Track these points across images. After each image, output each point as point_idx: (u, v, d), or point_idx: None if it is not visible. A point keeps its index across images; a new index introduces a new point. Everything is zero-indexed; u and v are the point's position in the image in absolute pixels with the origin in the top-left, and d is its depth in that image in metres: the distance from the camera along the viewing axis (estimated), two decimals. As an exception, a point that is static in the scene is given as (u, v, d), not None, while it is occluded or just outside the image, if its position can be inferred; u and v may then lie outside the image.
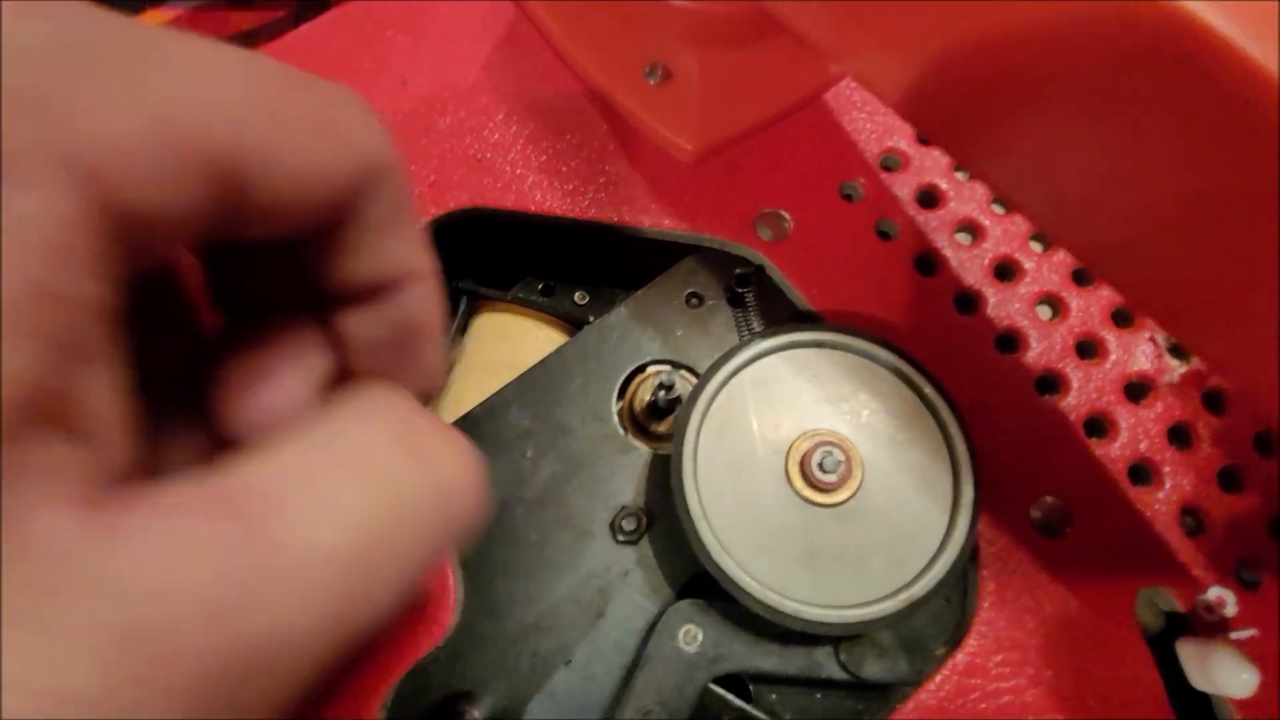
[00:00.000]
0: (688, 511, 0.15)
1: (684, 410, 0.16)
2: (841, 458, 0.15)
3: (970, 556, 0.17)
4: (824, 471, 0.15)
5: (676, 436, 0.16)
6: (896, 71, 0.13)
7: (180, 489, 0.08)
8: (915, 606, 0.15)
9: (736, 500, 0.15)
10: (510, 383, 0.19)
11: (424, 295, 0.12)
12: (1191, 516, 0.18)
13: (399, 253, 0.12)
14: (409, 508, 0.10)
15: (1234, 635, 0.16)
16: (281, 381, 0.12)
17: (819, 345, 0.17)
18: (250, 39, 0.21)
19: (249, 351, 0.12)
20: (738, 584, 0.15)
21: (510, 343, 0.21)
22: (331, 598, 0.09)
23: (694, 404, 0.16)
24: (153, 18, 0.19)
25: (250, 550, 0.08)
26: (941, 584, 0.15)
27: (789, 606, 0.14)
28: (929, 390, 0.16)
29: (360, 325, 0.12)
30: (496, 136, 0.20)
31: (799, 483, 0.15)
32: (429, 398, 0.14)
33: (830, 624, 0.14)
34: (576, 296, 0.22)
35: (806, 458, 0.16)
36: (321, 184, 0.10)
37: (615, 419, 0.18)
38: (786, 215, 0.20)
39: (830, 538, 0.15)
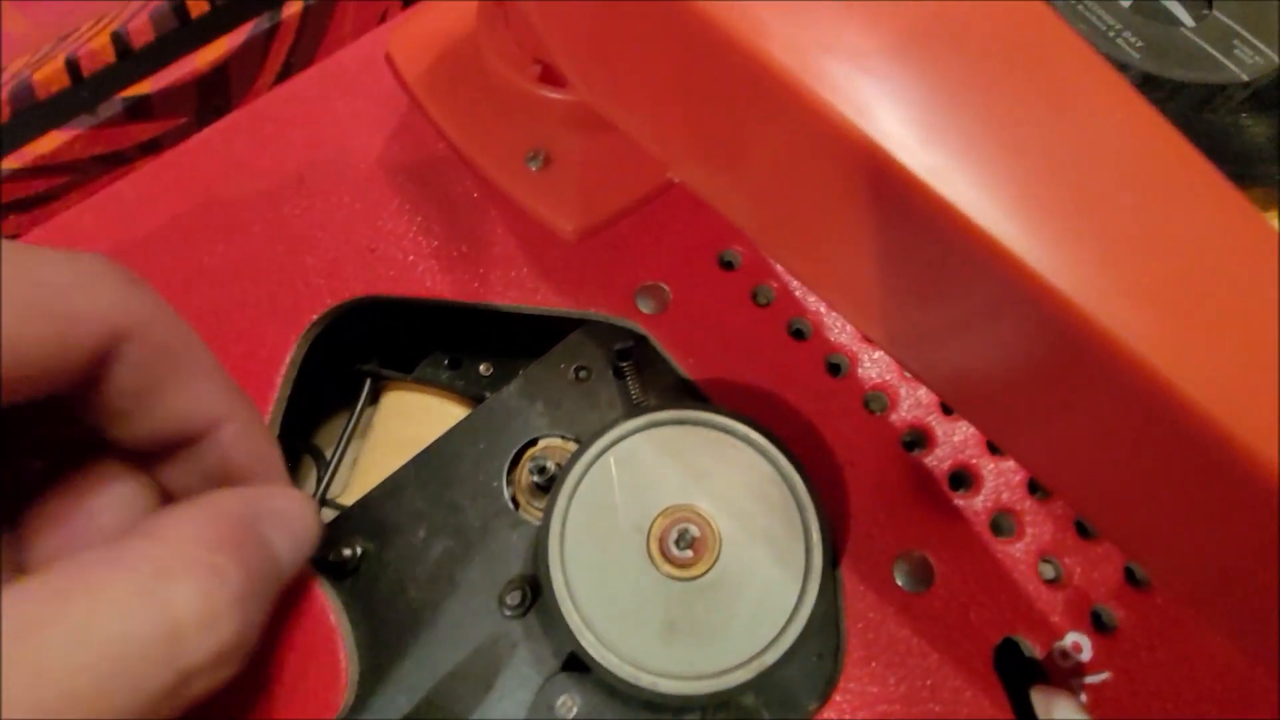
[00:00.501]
0: (552, 591, 0.16)
1: (552, 491, 0.17)
2: (698, 533, 0.16)
3: (833, 612, 0.18)
4: (679, 547, 0.16)
5: (544, 517, 0.17)
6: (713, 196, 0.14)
7: None
8: (767, 674, 0.15)
9: (601, 576, 0.16)
10: (405, 464, 0.20)
11: (233, 438, 0.13)
12: (1050, 564, 0.18)
13: (184, 407, 0.12)
14: (146, 654, 0.10)
15: (1089, 679, 0.17)
16: (88, 514, 0.12)
17: (679, 423, 0.18)
18: (152, 147, 0.22)
19: (63, 487, 0.12)
20: (597, 661, 0.15)
21: (415, 421, 0.22)
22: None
23: (561, 485, 0.17)
24: (54, 139, 0.20)
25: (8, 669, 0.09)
26: (791, 651, 0.16)
27: (645, 680, 0.15)
28: (783, 462, 0.17)
29: (174, 477, 0.13)
30: (389, 226, 0.21)
31: (658, 558, 0.16)
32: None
33: (686, 696, 0.15)
34: (481, 369, 0.23)
35: (665, 534, 0.16)
36: (38, 358, 0.11)
37: (506, 495, 0.19)
38: (666, 287, 0.21)
39: (688, 610, 0.16)
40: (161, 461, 0.13)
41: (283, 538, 0.13)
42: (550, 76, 0.20)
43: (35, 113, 0.20)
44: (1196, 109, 0.29)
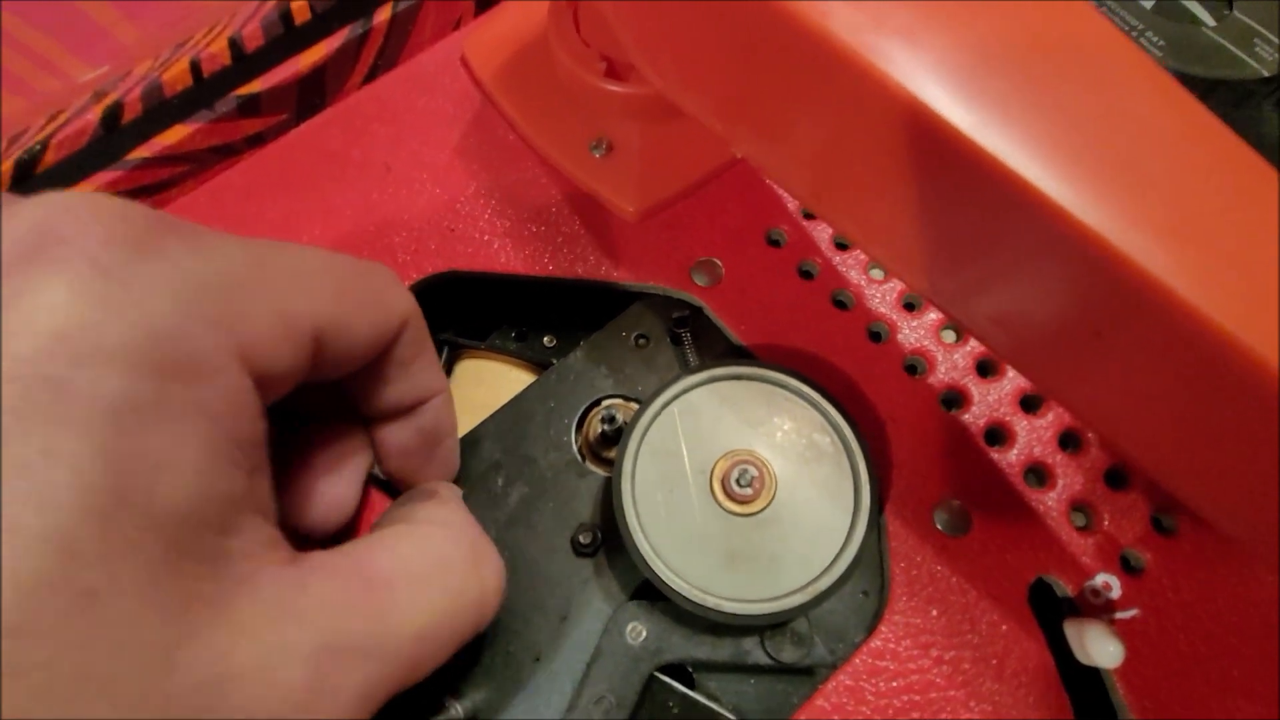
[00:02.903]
0: (626, 525, 0.18)
1: (623, 439, 0.19)
2: (756, 473, 0.18)
3: (876, 553, 0.19)
4: (740, 486, 0.18)
5: (616, 462, 0.19)
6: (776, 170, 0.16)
7: (333, 561, 0.13)
8: (821, 598, 0.17)
9: (668, 514, 0.18)
10: (483, 421, 0.22)
11: (442, 406, 0.17)
12: (1081, 513, 0.20)
13: (424, 378, 0.16)
14: (465, 607, 0.14)
15: (1118, 615, 0.18)
16: (342, 478, 0.17)
17: (737, 378, 0.19)
18: (258, 140, 0.24)
19: (315, 452, 0.17)
20: (668, 584, 0.17)
21: (486, 385, 0.24)
22: (405, 662, 0.13)
23: (630, 434, 0.19)
24: (178, 131, 0.23)
25: (373, 619, 0.13)
26: (843, 577, 0.17)
27: (711, 602, 0.17)
28: (833, 412, 0.19)
29: (395, 435, 0.17)
30: (466, 209, 0.24)
31: (721, 496, 0.18)
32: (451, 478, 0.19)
33: (748, 615, 0.17)
34: (545, 340, 0.25)
35: (726, 475, 0.18)
36: (374, 338, 0.15)
37: (574, 448, 0.21)
38: (719, 262, 0.23)
39: (748, 542, 0.18)
40: (389, 421, 0.17)
41: None
42: (614, 71, 0.23)
43: (162, 109, 0.22)
44: (1234, 105, 0.30)
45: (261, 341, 0.12)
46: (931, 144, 0.12)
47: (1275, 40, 0.33)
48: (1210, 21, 0.33)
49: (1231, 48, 0.33)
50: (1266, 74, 0.32)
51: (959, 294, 0.15)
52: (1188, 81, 0.31)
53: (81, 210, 0.11)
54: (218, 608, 0.11)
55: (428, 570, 0.14)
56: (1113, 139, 0.12)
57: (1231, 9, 0.34)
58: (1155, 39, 0.33)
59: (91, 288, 0.10)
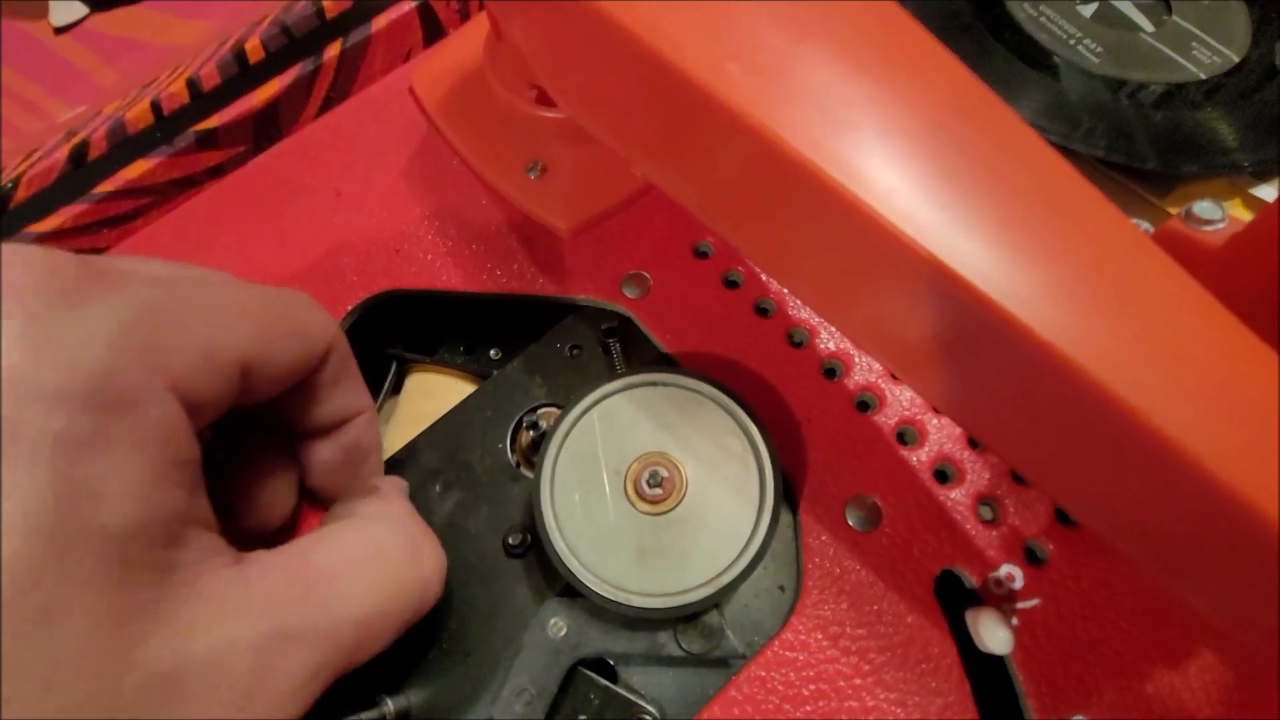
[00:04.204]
0: (544, 525, 0.19)
1: (543, 444, 0.20)
2: (666, 474, 0.19)
3: (793, 549, 0.20)
4: (650, 486, 0.19)
5: (537, 465, 0.20)
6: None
7: (275, 558, 0.14)
8: (725, 591, 0.18)
9: (585, 514, 0.19)
10: (424, 430, 0.23)
11: (365, 425, 0.18)
12: (988, 506, 0.21)
13: (348, 399, 0.18)
14: (404, 594, 0.16)
15: (1020, 605, 0.19)
16: (278, 484, 0.18)
17: (652, 384, 0.20)
18: (218, 170, 0.26)
19: (252, 463, 0.18)
20: (581, 580, 0.18)
21: (434, 397, 0.25)
22: (347, 647, 0.14)
23: (550, 439, 0.20)
24: (139, 166, 0.24)
25: (314, 608, 0.14)
26: (745, 572, 0.18)
27: (621, 596, 0.18)
28: (742, 415, 0.20)
29: (320, 452, 0.18)
30: (411, 230, 0.25)
31: (633, 496, 0.19)
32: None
33: (656, 609, 0.18)
34: (491, 353, 0.26)
35: (638, 476, 0.19)
36: (297, 364, 0.16)
37: (509, 455, 0.22)
38: (647, 275, 0.24)
39: (658, 540, 0.19)
40: (314, 439, 0.18)
41: None
42: (544, 98, 0.24)
43: (125, 146, 0.24)
44: (1155, 106, 0.31)
45: (189, 373, 0.13)
46: (779, 174, 0.14)
47: (1213, 43, 0.33)
48: (1149, 27, 0.34)
49: (1170, 52, 0.33)
50: (1204, 76, 0.32)
51: (832, 308, 0.16)
52: (1127, 87, 0.32)
53: (15, 264, 0.12)
54: (168, 611, 0.12)
55: (366, 560, 0.15)
56: (993, 187, 0.13)
57: (1170, 14, 0.35)
58: (1094, 46, 0.34)
59: (29, 335, 0.12)
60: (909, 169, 0.13)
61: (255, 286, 0.16)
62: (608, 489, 0.19)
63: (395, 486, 0.20)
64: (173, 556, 0.13)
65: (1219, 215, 0.14)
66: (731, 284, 0.24)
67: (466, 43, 0.27)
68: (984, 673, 0.19)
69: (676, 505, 0.19)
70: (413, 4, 0.27)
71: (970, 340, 0.13)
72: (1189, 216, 0.15)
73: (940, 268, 0.12)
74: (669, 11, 0.14)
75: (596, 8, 0.14)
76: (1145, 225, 0.28)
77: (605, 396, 0.21)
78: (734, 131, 0.14)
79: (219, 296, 0.15)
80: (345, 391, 0.18)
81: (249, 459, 0.18)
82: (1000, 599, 0.19)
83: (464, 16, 0.29)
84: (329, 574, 0.15)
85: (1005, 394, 0.14)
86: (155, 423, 0.12)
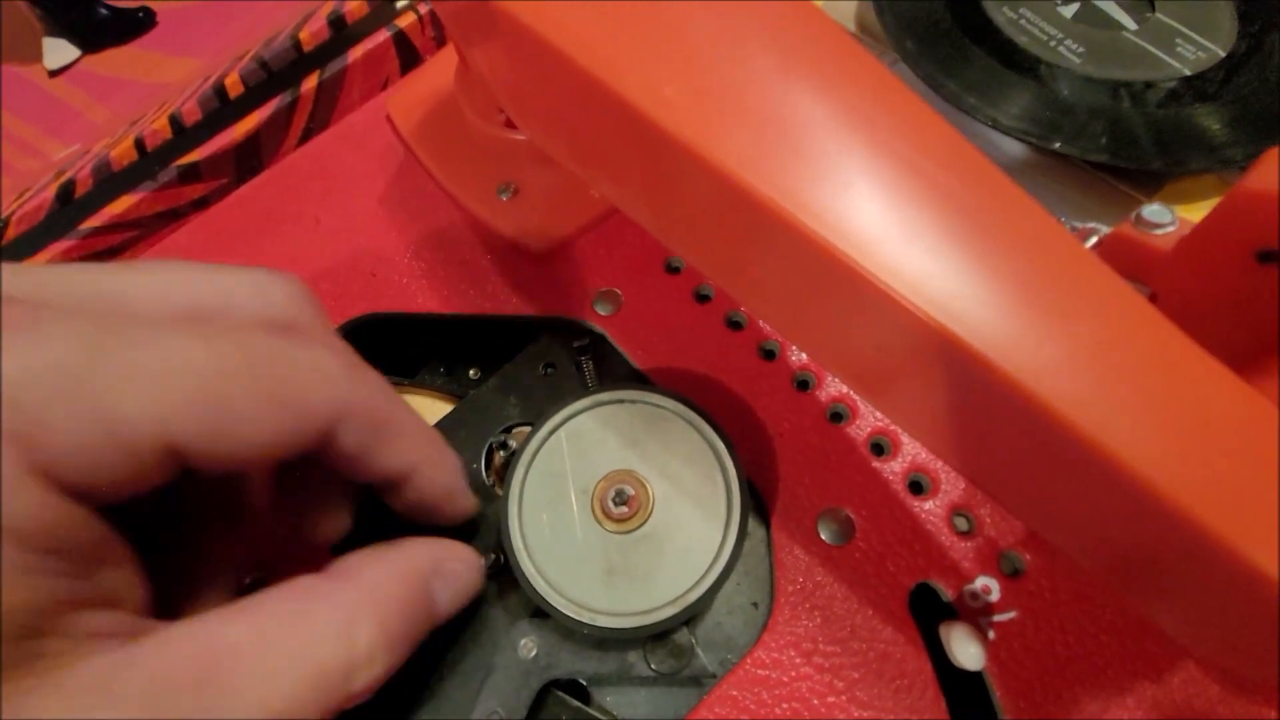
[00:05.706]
0: (511, 545, 0.19)
1: (512, 464, 0.20)
2: (632, 492, 0.19)
3: (767, 565, 0.20)
4: (616, 505, 0.19)
5: (505, 485, 0.20)
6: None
7: (180, 632, 0.13)
8: (691, 609, 0.18)
9: (553, 533, 0.19)
10: (400, 452, 0.23)
11: (428, 480, 0.17)
12: (964, 518, 0.20)
13: (387, 462, 0.16)
14: (325, 676, 0.13)
15: (997, 618, 0.19)
16: (329, 509, 0.17)
17: (620, 402, 0.20)
18: (201, 203, 0.27)
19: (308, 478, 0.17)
20: (547, 600, 0.18)
21: (413, 418, 0.26)
22: None
23: (519, 458, 0.20)
24: (124, 201, 0.25)
25: (208, 695, 0.12)
26: (711, 590, 0.18)
27: (587, 617, 0.18)
28: (709, 431, 0.20)
29: (391, 501, 0.17)
30: (388, 254, 0.26)
31: (600, 515, 0.19)
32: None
33: (623, 629, 0.18)
34: (471, 373, 0.27)
35: (604, 494, 0.19)
36: (281, 442, 0.13)
37: (483, 474, 0.22)
38: (619, 291, 0.24)
39: (625, 559, 0.19)
40: (383, 489, 0.17)
41: (448, 595, 0.17)
42: (513, 123, 0.24)
43: (110, 182, 0.25)
44: (1141, 105, 0.31)
45: (70, 453, 0.11)
46: (719, 196, 0.14)
47: (1197, 39, 0.33)
48: (1131, 25, 0.34)
49: (1153, 49, 0.33)
50: (1189, 73, 0.32)
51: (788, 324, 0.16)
52: (1111, 85, 0.31)
53: None
54: (30, 707, 0.11)
55: (282, 638, 0.13)
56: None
57: (1153, 11, 0.34)
58: (1075, 46, 0.33)
59: None
60: (850, 188, 0.13)
61: (228, 338, 0.13)
62: (575, 508, 0.19)
63: (377, 563, 0.16)
64: (41, 646, 0.11)
65: (1169, 219, 0.14)
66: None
67: (441, 69, 0.28)
68: (961, 687, 0.18)
69: (643, 523, 0.19)
70: (389, 33, 0.28)
71: (913, 358, 0.13)
72: (1138, 220, 0.14)
73: (881, 288, 0.12)
74: (609, 36, 0.14)
75: (540, 34, 0.15)
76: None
77: (573, 415, 0.21)
78: (673, 154, 0.14)
79: (148, 355, 0.12)
80: (383, 457, 0.16)
81: (306, 472, 0.17)
82: (977, 612, 0.19)
83: (440, 43, 0.30)
84: (234, 652, 0.12)
85: (957, 411, 0.14)
86: (19, 512, 0.11)
